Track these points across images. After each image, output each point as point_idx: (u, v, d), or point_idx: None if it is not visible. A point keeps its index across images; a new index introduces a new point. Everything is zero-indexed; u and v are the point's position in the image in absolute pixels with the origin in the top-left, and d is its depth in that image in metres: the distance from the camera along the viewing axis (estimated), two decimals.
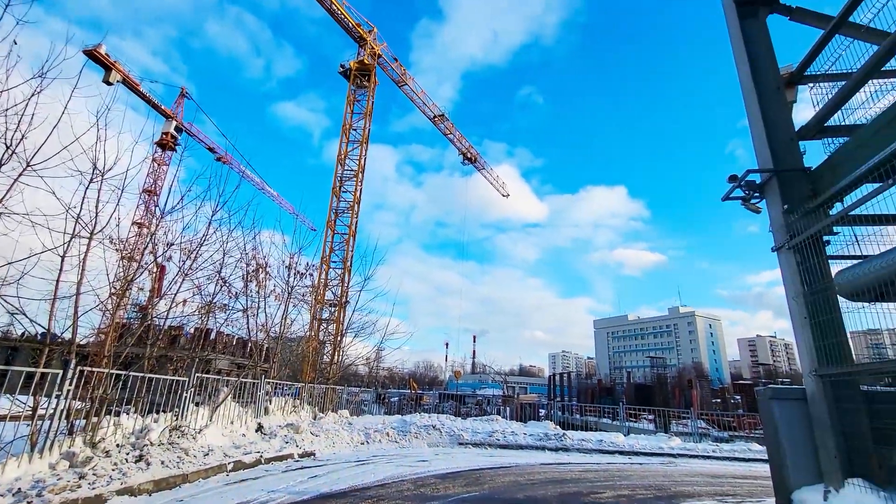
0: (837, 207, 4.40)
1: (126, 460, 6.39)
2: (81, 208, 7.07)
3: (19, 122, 6.00)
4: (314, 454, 9.54)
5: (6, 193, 5.99)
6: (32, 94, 6.08)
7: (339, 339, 19.21)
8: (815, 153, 5.47)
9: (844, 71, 4.75)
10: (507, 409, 25.15)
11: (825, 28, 5.16)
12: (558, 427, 15.09)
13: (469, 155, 50.32)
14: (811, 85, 5.45)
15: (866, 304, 4.18)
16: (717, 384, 61.04)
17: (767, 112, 5.55)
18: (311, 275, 16.14)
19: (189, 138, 45.01)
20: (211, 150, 51.04)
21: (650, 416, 23.50)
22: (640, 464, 11.49)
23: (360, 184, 32.11)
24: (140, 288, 9.26)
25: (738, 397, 34.33)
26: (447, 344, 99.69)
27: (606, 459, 11.85)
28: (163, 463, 6.62)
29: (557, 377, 46.33)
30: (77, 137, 6.72)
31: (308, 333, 18.49)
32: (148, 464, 6.41)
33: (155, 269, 9.12)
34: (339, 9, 32.95)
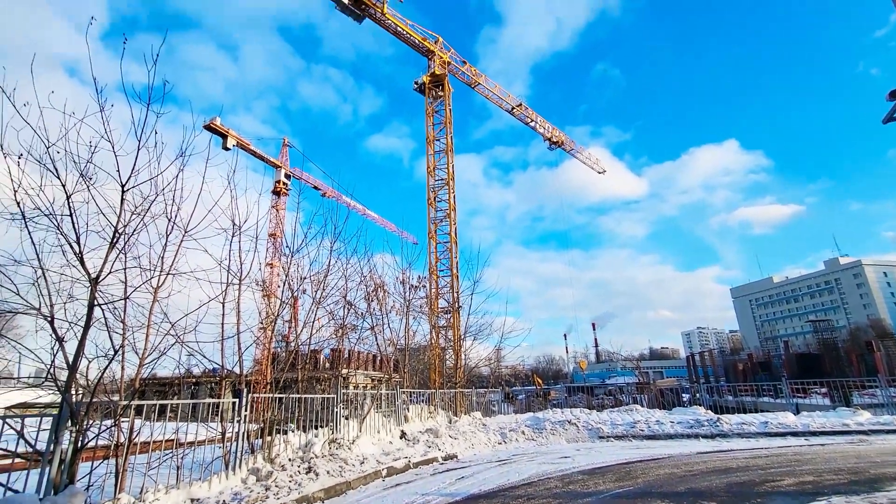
0: None
1: (298, 472, 7.24)
2: (230, 260, 8.26)
3: (174, 198, 7.22)
4: (456, 456, 9.87)
5: (174, 258, 7.23)
6: (178, 173, 7.28)
7: (458, 343, 19.72)
8: None
9: None
10: (645, 396, 23.49)
11: None
12: (709, 412, 13.69)
13: (555, 139, 48.49)
14: None
15: None
16: None
17: None
18: (423, 286, 16.87)
19: (297, 182, 50.37)
20: (316, 188, 56.42)
21: (822, 390, 20.22)
22: (822, 445, 9.91)
23: (452, 191, 32.81)
24: (286, 321, 10.48)
25: None
26: (566, 335, 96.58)
27: (776, 443, 10.44)
28: (328, 472, 7.37)
29: (697, 357, 42.15)
30: (216, 202, 7.87)
31: (430, 341, 19.30)
32: (316, 474, 7.20)
33: (293, 302, 10.27)
34: (404, 28, 34.30)
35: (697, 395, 21.65)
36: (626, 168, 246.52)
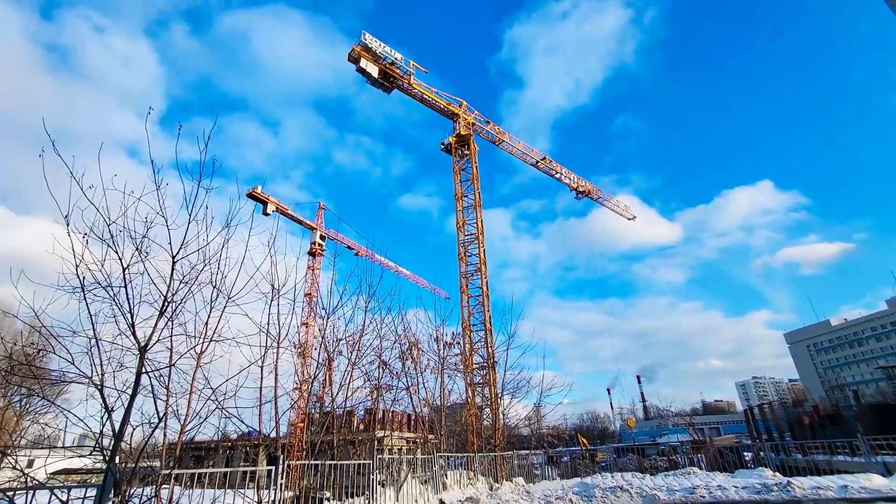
0: None
1: None
2: (269, 324, 8.46)
3: (219, 266, 7.59)
4: None
5: (218, 324, 7.48)
6: (224, 244, 7.69)
7: (495, 402, 18.98)
8: None
9: None
10: (702, 457, 21.56)
11: None
12: (777, 474, 12.40)
13: (581, 188, 48.78)
14: None
15: None
16: None
17: None
18: (457, 343, 16.62)
19: (332, 243, 52.19)
20: (350, 248, 58.06)
21: None
22: None
23: (482, 245, 33.04)
24: (321, 382, 10.46)
25: None
26: (609, 389, 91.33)
27: None
28: None
29: (756, 410, 38.73)
30: (258, 268, 8.22)
31: (466, 400, 18.67)
32: None
33: (327, 363, 10.29)
34: (430, 96, 36.44)
35: (761, 453, 19.65)
36: (658, 214, 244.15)
